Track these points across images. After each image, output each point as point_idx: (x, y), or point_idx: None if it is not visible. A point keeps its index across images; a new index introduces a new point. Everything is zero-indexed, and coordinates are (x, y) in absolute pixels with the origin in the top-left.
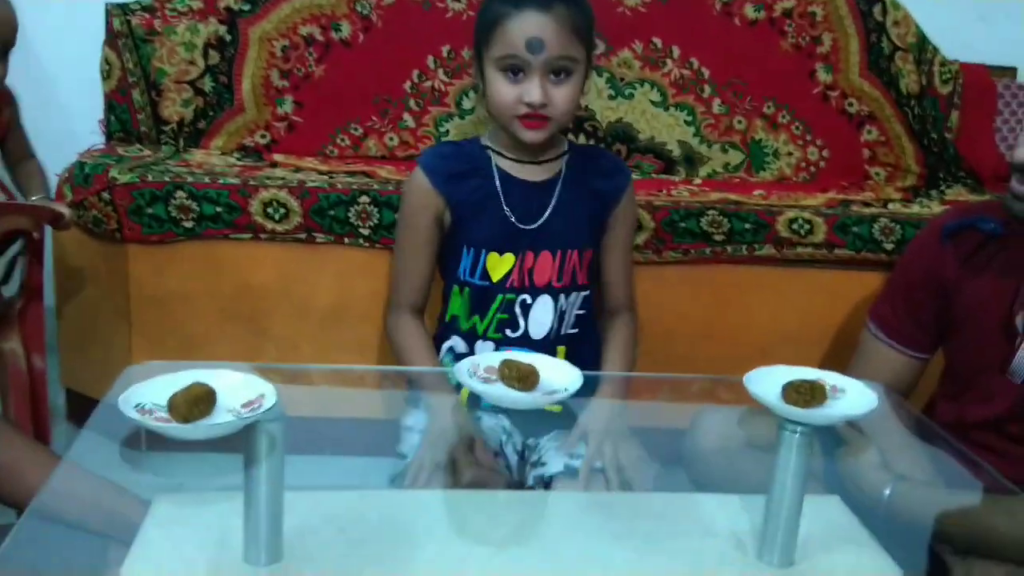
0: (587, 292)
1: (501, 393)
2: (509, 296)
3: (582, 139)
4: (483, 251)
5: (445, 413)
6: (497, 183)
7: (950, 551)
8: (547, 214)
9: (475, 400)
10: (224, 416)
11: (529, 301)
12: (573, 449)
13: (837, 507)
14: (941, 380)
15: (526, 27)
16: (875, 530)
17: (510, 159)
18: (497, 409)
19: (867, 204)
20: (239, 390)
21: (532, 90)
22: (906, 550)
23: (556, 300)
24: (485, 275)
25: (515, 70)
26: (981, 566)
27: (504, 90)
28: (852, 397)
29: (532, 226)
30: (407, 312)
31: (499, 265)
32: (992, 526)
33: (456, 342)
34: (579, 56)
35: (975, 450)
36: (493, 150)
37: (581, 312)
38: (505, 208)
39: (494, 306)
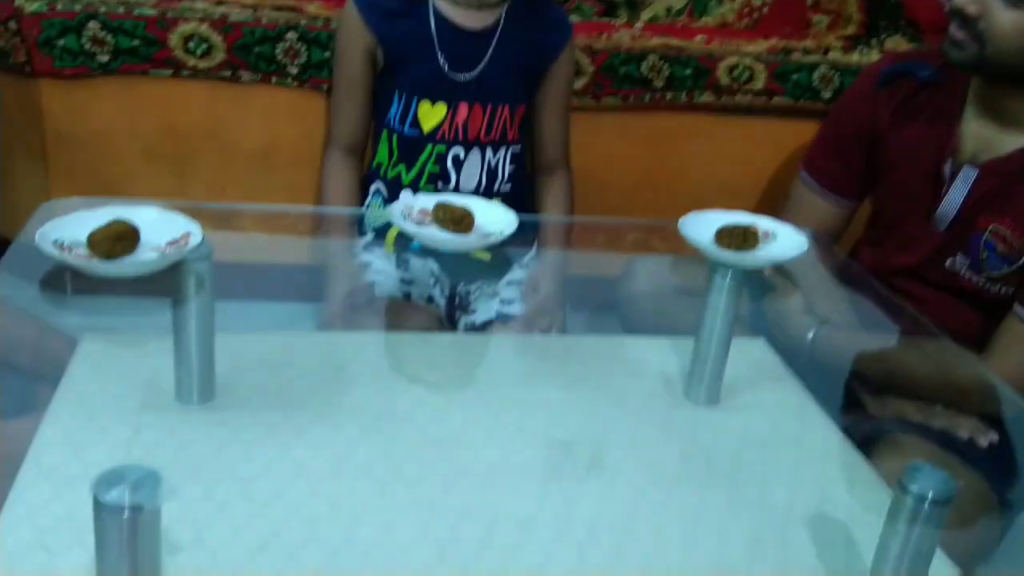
0: (517, 148)
1: (436, 235)
2: (439, 148)
3: None
4: (415, 98)
5: (345, 258)
6: (432, 26)
7: (867, 390)
8: (481, 65)
9: (403, 244)
10: (148, 254)
11: (462, 156)
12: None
13: (762, 349)
14: (867, 227)
15: None
16: (798, 371)
17: (448, 0)
18: (427, 252)
19: (808, 51)
20: (163, 228)
21: None
22: (827, 390)
23: (484, 154)
24: (416, 124)
25: None
26: (895, 403)
27: None
28: (782, 241)
29: (465, 76)
30: (339, 151)
31: (431, 115)
32: (906, 365)
33: (380, 187)
34: None
35: (896, 296)
36: None
37: (512, 168)
38: (439, 55)
39: (423, 157)
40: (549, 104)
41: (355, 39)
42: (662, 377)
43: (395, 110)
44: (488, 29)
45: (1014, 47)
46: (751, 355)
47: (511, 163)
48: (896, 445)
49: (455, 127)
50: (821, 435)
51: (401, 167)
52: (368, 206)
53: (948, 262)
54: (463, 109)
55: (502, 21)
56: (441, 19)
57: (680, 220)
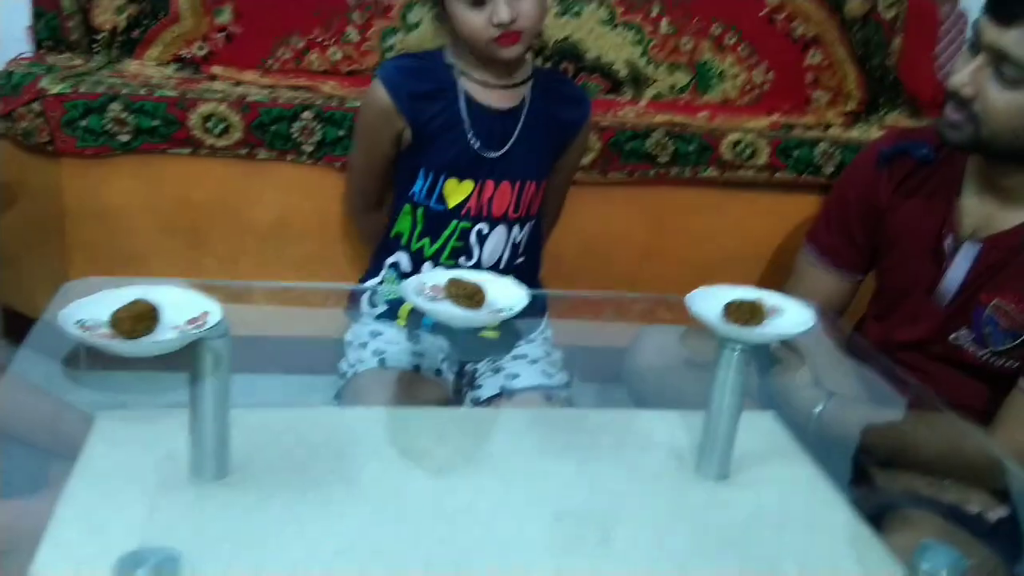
0: (535, 221)
1: (448, 310)
2: (464, 224)
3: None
4: (442, 176)
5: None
6: (462, 107)
7: (875, 464)
8: (510, 143)
9: (415, 320)
10: (168, 333)
11: (485, 231)
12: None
13: (772, 423)
14: (871, 301)
15: None
16: (807, 444)
17: (477, 82)
18: (437, 329)
19: (809, 128)
20: (183, 306)
21: (499, 10)
22: (835, 463)
23: (510, 231)
24: (441, 200)
25: None
26: (904, 476)
27: (472, 19)
28: (789, 316)
29: (495, 154)
30: (359, 211)
31: (456, 191)
32: (915, 439)
33: (401, 258)
34: None
35: (901, 370)
36: (459, 70)
37: (528, 240)
38: (469, 134)
39: (447, 231)
40: (561, 171)
41: (383, 121)
42: (672, 451)
43: (420, 185)
44: (515, 108)
45: (1009, 127)
46: (761, 429)
47: (530, 235)
48: (906, 520)
49: (481, 204)
50: (832, 510)
51: (425, 240)
52: (383, 280)
53: (952, 336)
54: (490, 186)
55: (528, 100)
56: (470, 99)
57: (687, 296)
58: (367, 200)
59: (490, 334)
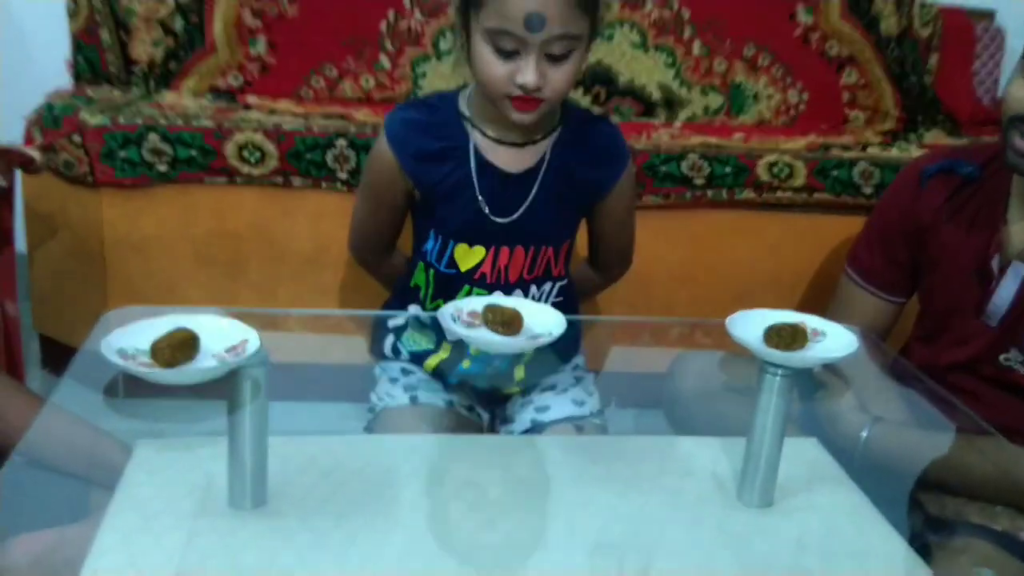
0: (564, 282)
1: (486, 337)
2: (479, 290)
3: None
4: (451, 241)
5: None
6: (473, 169)
7: (924, 490)
8: (523, 208)
9: (448, 366)
10: (208, 361)
11: (503, 294)
12: None
13: (815, 448)
14: (916, 323)
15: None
16: (852, 471)
17: (490, 139)
18: (466, 379)
19: (846, 148)
20: (222, 335)
21: (527, 72)
22: (882, 490)
23: (527, 291)
24: (452, 264)
25: (508, 47)
26: (954, 502)
27: (494, 67)
28: (832, 340)
29: (506, 220)
30: (369, 254)
31: (468, 256)
32: (965, 465)
33: (420, 312)
34: (582, 31)
35: (949, 392)
36: (472, 123)
37: (559, 300)
38: (479, 198)
39: (462, 294)
40: (609, 221)
41: (389, 179)
42: (713, 478)
43: (431, 246)
44: (532, 169)
45: None
46: (804, 455)
47: (558, 295)
48: (957, 547)
49: (496, 269)
50: (879, 538)
51: (439, 301)
52: (406, 323)
53: (1002, 357)
54: (504, 252)
55: (548, 158)
56: (482, 160)
57: (728, 320)
58: (374, 250)
59: (515, 389)
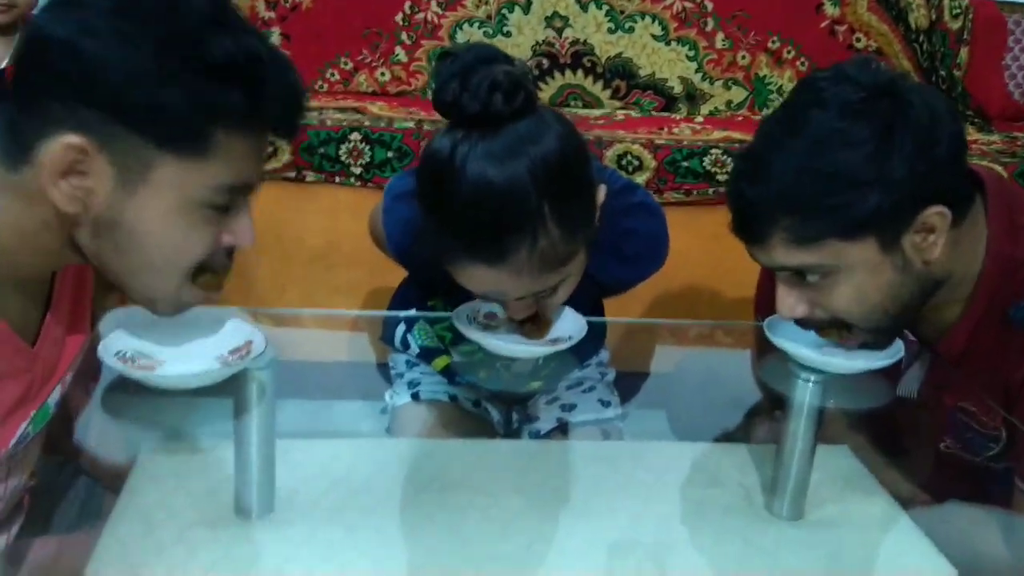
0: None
1: (502, 344)
2: None
3: (579, 76)
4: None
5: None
6: None
7: None
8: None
9: (459, 368)
10: (211, 363)
11: None
12: None
13: (847, 457)
14: None
15: (478, 282)
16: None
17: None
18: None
19: None
20: (227, 335)
21: (516, 312)
22: None
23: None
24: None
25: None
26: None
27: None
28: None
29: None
30: None
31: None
32: None
33: (432, 311)
34: (565, 271)
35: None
36: None
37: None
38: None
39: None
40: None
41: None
42: (741, 487)
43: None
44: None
45: None
46: (835, 464)
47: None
48: None
49: None
50: (917, 554)
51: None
52: (418, 321)
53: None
54: None
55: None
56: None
57: (766, 321)
58: None
59: (535, 385)
